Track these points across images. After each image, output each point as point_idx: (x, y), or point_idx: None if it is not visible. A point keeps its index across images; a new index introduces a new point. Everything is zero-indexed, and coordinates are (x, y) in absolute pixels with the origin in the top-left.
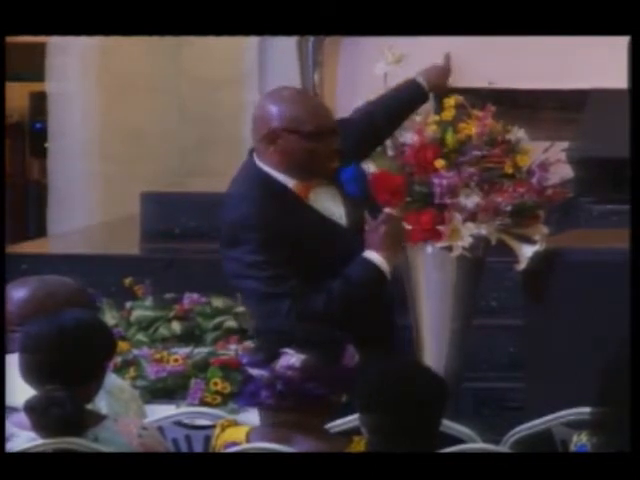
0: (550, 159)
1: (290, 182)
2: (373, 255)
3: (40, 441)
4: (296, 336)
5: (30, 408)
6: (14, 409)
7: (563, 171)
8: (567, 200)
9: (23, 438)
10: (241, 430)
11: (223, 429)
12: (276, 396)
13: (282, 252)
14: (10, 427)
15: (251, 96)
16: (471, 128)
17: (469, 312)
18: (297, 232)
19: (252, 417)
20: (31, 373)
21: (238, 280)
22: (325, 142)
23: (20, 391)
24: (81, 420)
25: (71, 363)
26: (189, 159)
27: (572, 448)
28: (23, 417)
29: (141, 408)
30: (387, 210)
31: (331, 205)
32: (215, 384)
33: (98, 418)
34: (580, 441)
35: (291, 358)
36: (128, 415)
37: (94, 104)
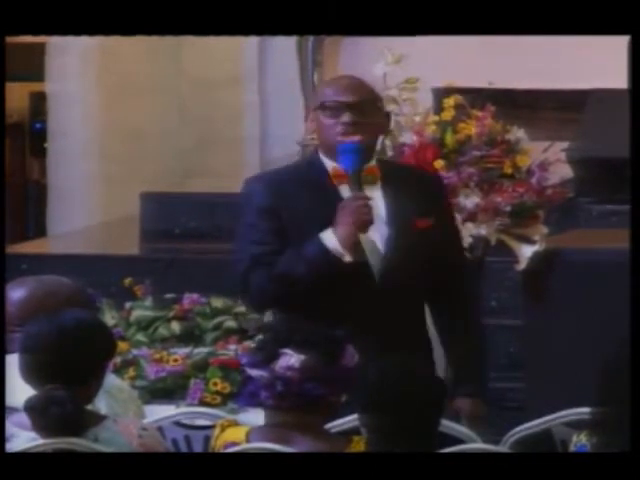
0: (550, 159)
1: (330, 165)
2: (327, 233)
3: (40, 441)
4: (295, 336)
5: (30, 408)
6: (14, 409)
7: (563, 171)
8: (567, 200)
9: (23, 438)
10: (241, 430)
11: (223, 429)
12: (276, 396)
13: (276, 222)
14: (10, 427)
15: (251, 96)
16: (470, 128)
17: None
18: (313, 213)
19: (252, 417)
20: (31, 373)
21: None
22: (335, 114)
23: (20, 391)
24: (81, 420)
25: (71, 363)
26: (189, 159)
27: (572, 448)
28: (23, 417)
29: (140, 408)
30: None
31: None
32: (215, 384)
33: (98, 418)
34: (580, 441)
35: (290, 358)
36: (127, 415)
37: (94, 104)
